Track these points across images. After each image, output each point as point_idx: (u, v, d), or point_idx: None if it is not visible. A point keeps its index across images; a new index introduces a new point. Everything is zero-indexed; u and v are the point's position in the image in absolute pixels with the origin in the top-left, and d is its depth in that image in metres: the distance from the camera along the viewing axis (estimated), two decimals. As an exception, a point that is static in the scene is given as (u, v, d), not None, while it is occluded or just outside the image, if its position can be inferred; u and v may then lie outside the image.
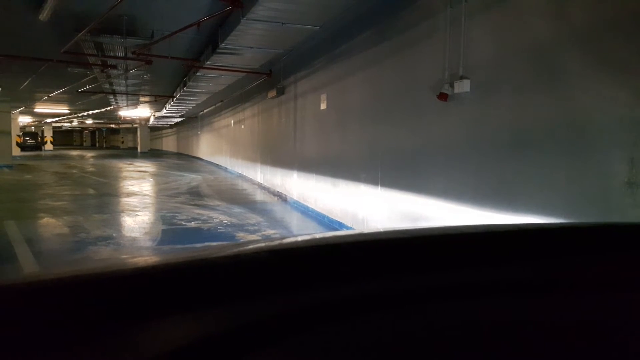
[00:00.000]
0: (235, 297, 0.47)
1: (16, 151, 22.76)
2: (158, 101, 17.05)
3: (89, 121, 31.69)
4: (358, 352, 0.42)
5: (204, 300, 0.46)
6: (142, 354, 0.37)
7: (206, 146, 21.00)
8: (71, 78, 11.34)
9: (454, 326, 0.47)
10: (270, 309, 0.45)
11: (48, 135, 36.54)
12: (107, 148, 47.28)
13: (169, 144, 36.07)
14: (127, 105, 18.04)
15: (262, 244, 0.64)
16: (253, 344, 0.41)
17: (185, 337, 0.40)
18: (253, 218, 7.43)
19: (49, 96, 15.33)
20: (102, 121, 32.66)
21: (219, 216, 7.49)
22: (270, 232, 6.59)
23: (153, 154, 32.09)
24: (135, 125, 35.23)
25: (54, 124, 34.14)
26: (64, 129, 43.22)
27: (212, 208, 8.37)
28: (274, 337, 0.42)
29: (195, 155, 24.36)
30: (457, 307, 0.51)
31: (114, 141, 50.82)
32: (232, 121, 14.77)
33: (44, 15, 5.93)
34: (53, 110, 22.10)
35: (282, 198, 9.44)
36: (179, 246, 5.61)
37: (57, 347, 0.38)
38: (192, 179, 14.00)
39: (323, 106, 7.16)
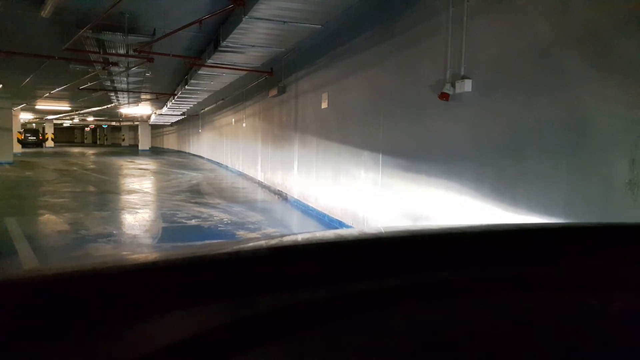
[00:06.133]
0: (234, 294, 0.47)
1: (17, 148, 22.79)
2: (159, 99, 17.06)
3: (90, 118, 31.69)
4: (357, 349, 0.42)
5: (204, 297, 0.46)
6: (143, 349, 0.37)
7: (207, 144, 21.00)
8: (72, 75, 11.34)
9: (454, 324, 0.47)
10: (269, 306, 0.45)
11: (49, 132, 36.56)
12: (108, 145, 47.31)
13: (170, 141, 36.08)
14: (129, 103, 18.05)
15: (262, 242, 0.64)
16: (252, 340, 0.41)
17: (185, 333, 0.40)
18: (253, 216, 7.43)
19: (50, 93, 15.33)
20: (103, 118, 32.67)
21: (219, 214, 7.50)
22: (270, 230, 6.60)
23: (154, 152, 32.11)
24: (136, 123, 35.23)
25: (55, 121, 34.16)
26: (65, 126, 43.21)
27: (213, 206, 8.37)
28: (272, 333, 0.42)
29: (196, 153, 24.36)
30: (456, 306, 0.51)
31: (115, 139, 50.82)
32: (233, 119, 14.78)
33: (46, 11, 5.93)
34: (54, 107, 22.10)
35: (282, 196, 9.44)
36: (179, 244, 5.61)
37: (57, 341, 0.38)
38: (192, 176, 14.01)
39: (324, 105, 7.16)
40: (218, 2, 6.09)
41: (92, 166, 18.05)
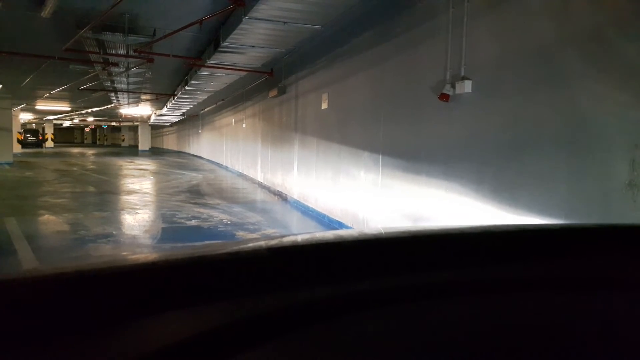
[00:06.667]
0: (234, 294, 0.47)
1: (17, 148, 22.77)
2: (159, 99, 17.06)
3: (90, 119, 31.70)
4: (357, 349, 0.42)
5: (204, 297, 0.46)
6: (143, 349, 0.37)
7: (207, 145, 21.00)
8: (73, 75, 11.34)
9: (454, 324, 0.47)
10: (269, 306, 0.45)
11: (49, 133, 36.57)
12: (108, 146, 47.31)
13: (169, 142, 36.08)
14: (129, 103, 18.05)
15: (262, 242, 0.64)
16: (252, 340, 0.41)
17: (185, 333, 0.40)
18: (253, 217, 7.43)
19: (50, 93, 15.33)
20: (103, 119, 32.67)
21: (219, 215, 7.50)
22: (270, 231, 6.60)
23: (154, 152, 32.11)
24: (136, 123, 35.24)
25: (55, 121, 34.17)
26: (64, 126, 43.22)
27: (213, 207, 8.37)
28: (272, 333, 0.42)
29: (196, 153, 24.36)
30: (455, 306, 0.51)
31: (115, 139, 50.79)
32: (233, 120, 14.78)
33: (46, 12, 5.93)
34: (54, 108, 22.11)
35: (282, 197, 9.44)
36: (179, 244, 5.61)
37: (57, 341, 0.38)
38: (192, 177, 14.01)
39: (324, 106, 7.16)
40: (218, 2, 6.09)
41: (91, 166, 18.05)
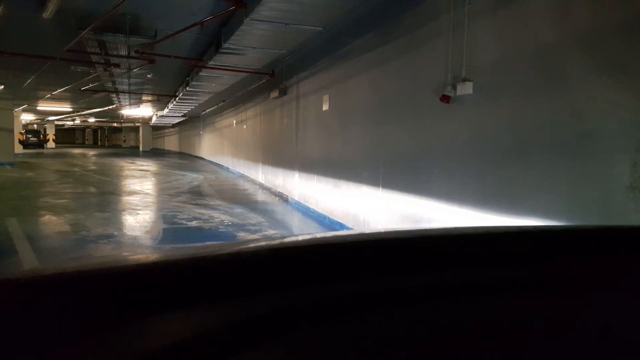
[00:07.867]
0: (235, 294, 0.47)
1: (18, 149, 22.80)
2: (160, 100, 17.08)
3: (92, 119, 31.75)
4: (357, 349, 0.42)
5: (204, 297, 0.46)
6: (143, 349, 0.37)
7: (208, 146, 21.02)
8: (74, 76, 11.36)
9: (453, 325, 0.47)
10: (269, 307, 0.46)
11: (50, 133, 36.64)
12: (109, 147, 47.37)
13: (171, 143, 36.11)
14: (130, 104, 18.06)
15: (263, 243, 0.64)
16: (252, 340, 0.41)
17: (185, 332, 0.40)
18: (254, 218, 7.43)
19: (51, 94, 15.35)
20: (104, 120, 32.72)
21: (220, 216, 7.50)
22: (271, 232, 6.60)
23: (155, 153, 32.13)
24: (137, 124, 35.29)
25: (56, 122, 34.23)
26: (66, 127, 43.28)
27: (213, 208, 8.37)
28: (272, 333, 0.42)
29: (197, 154, 24.38)
30: (455, 306, 0.51)
31: (116, 140, 50.87)
32: (234, 121, 14.79)
33: (48, 12, 5.94)
34: (56, 109, 22.14)
35: (283, 198, 9.44)
36: (180, 245, 5.61)
37: (57, 341, 0.38)
38: (193, 178, 14.02)
39: (325, 107, 7.16)
40: (219, 4, 6.10)
41: (93, 167, 18.07)
